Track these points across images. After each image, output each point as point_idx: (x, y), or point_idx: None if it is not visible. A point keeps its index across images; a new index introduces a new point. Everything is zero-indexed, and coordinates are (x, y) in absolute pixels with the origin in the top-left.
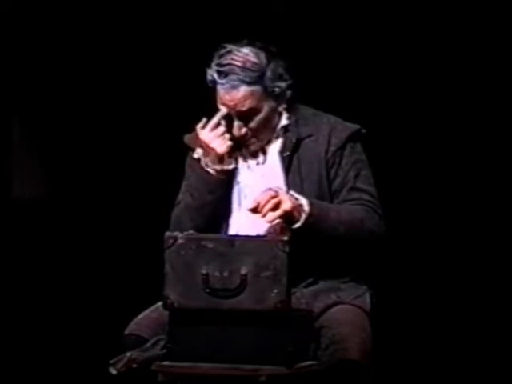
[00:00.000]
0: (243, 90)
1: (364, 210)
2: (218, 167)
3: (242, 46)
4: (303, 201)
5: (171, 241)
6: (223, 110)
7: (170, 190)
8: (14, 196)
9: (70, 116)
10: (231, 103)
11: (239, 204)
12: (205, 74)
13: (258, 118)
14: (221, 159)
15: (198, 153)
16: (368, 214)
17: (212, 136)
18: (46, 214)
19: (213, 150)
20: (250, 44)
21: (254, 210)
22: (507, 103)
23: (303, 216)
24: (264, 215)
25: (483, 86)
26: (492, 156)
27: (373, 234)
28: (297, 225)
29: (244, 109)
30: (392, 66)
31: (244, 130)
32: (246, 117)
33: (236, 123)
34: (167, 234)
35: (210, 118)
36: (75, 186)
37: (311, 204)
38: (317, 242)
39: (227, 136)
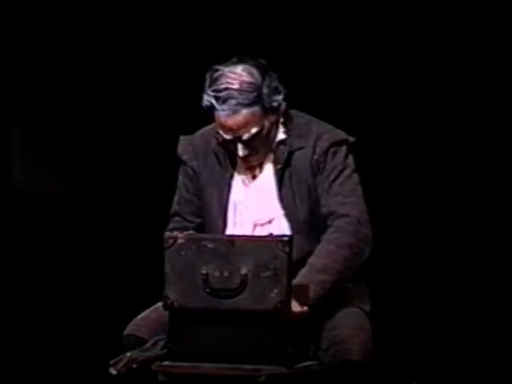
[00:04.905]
0: (244, 113)
1: (345, 232)
2: None
3: (234, 65)
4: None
5: (171, 241)
6: None
7: (171, 190)
8: (14, 190)
9: (70, 114)
10: (234, 127)
11: (234, 221)
12: (203, 74)
13: (260, 136)
14: None
15: None
16: (351, 234)
17: None
18: (44, 214)
19: None
20: (241, 61)
21: None
22: (506, 109)
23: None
24: None
25: (482, 94)
26: (490, 160)
27: (363, 249)
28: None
29: (248, 136)
30: (391, 70)
31: (247, 150)
32: (248, 139)
33: (239, 146)
34: (167, 233)
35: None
36: (74, 185)
37: (315, 290)
38: None
39: None
